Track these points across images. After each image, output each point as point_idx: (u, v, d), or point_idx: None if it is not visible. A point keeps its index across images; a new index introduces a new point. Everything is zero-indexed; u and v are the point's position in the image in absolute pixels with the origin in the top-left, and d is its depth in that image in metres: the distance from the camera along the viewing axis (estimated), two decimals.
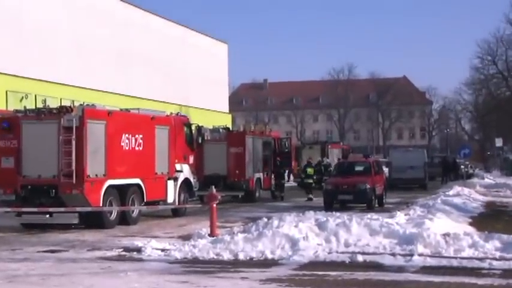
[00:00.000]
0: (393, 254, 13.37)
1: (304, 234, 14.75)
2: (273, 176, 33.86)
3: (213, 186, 17.54)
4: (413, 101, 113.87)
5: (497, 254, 13.14)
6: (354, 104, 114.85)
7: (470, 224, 19.50)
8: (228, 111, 55.92)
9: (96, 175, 19.14)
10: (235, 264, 12.90)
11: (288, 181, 39.89)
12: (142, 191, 21.16)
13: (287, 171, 36.96)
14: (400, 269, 12.13)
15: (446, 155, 67.44)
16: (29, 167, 18.98)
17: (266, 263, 12.98)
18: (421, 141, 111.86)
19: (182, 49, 46.85)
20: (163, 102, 40.55)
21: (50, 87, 32.89)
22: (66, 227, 19.45)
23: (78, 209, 18.45)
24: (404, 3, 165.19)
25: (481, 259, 12.80)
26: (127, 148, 20.49)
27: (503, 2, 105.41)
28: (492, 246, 13.63)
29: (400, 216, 18.46)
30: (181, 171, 23.65)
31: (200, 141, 26.53)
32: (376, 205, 26.97)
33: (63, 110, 19.05)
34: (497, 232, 14.78)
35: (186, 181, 24.09)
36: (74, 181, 18.43)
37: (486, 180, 49.08)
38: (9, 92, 30.74)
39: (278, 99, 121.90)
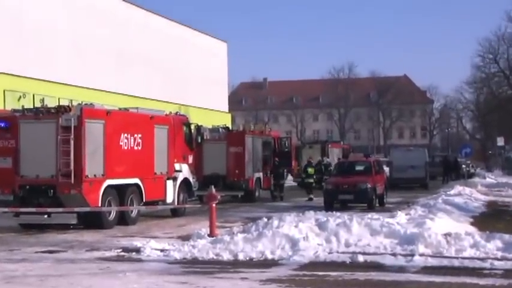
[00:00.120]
0: (394, 254, 13.33)
1: (305, 234, 14.71)
2: (271, 176, 33.75)
3: (213, 186, 17.47)
4: (414, 100, 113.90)
5: (499, 254, 13.10)
6: (354, 103, 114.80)
7: (472, 223, 19.46)
8: (227, 111, 55.83)
9: (95, 175, 19.07)
10: (235, 265, 12.86)
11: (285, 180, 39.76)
12: (141, 191, 21.11)
13: (286, 170, 36.78)
14: (401, 269, 12.09)
15: (447, 154, 67.33)
16: (27, 167, 18.93)
17: (266, 264, 12.94)
18: (422, 141, 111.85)
19: (181, 48, 46.77)
20: (162, 101, 40.46)
21: (48, 86, 32.79)
22: (64, 227, 19.42)
23: (77, 209, 18.39)
24: (405, 1, 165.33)
25: (482, 259, 12.76)
26: (126, 148, 20.42)
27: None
28: (494, 246, 13.60)
29: (401, 216, 18.40)
30: (180, 171, 23.58)
31: (199, 140, 26.44)
32: (377, 205, 26.90)
33: (61, 110, 18.99)
34: (499, 232, 14.74)
35: (185, 181, 24.03)
36: (73, 181, 18.37)
37: (487, 179, 49.07)
38: (7, 91, 30.64)
39: (278, 98, 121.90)
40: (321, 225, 15.35)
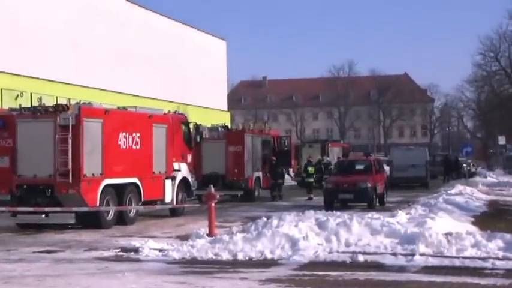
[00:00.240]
0: (394, 254, 13.30)
1: (304, 233, 14.67)
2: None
3: (212, 186, 17.43)
4: (415, 98, 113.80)
5: (500, 254, 13.07)
6: (354, 101, 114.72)
7: (473, 223, 19.40)
8: (226, 109, 55.79)
9: (93, 174, 19.00)
10: (234, 265, 12.82)
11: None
12: (140, 191, 21.05)
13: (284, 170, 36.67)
14: (401, 269, 12.05)
15: (448, 153, 67.33)
16: (25, 166, 18.87)
17: (265, 263, 12.90)
18: (423, 140, 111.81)
19: (180, 46, 46.71)
20: (161, 100, 40.36)
21: (46, 85, 32.69)
22: (62, 227, 19.37)
23: (75, 208, 18.35)
24: (405, 0, 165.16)
25: (483, 259, 12.73)
26: (124, 147, 20.35)
27: None
28: (495, 245, 13.56)
29: (402, 216, 18.33)
30: (179, 170, 23.52)
31: (198, 139, 26.37)
32: (377, 204, 26.86)
33: (59, 109, 18.93)
34: (500, 231, 14.70)
35: (184, 180, 23.95)
36: (70, 180, 18.32)
37: (489, 178, 48.99)
38: (4, 90, 30.55)
39: (277, 96, 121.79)
40: (321, 225, 15.30)
